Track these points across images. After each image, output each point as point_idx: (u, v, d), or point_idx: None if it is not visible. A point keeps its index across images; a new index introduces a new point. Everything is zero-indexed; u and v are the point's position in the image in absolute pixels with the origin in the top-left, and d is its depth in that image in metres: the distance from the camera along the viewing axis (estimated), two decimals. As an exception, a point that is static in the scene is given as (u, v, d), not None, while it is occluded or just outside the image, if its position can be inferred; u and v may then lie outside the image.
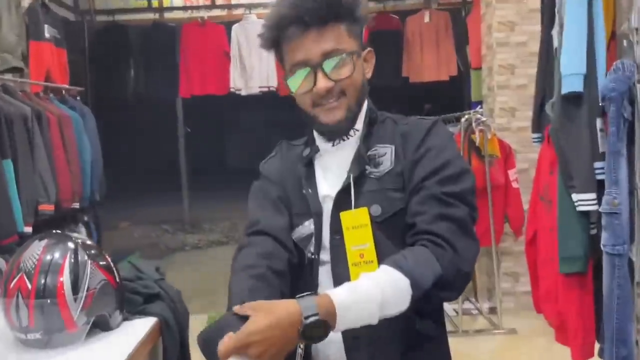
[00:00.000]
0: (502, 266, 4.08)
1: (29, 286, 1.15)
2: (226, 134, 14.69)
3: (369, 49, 1.09)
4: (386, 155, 1.04)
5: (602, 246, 1.53)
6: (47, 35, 3.80)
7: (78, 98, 3.97)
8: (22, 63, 3.50)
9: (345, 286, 0.87)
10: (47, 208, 3.05)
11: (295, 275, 1.03)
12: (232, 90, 5.14)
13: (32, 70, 3.69)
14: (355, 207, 1.01)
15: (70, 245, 1.23)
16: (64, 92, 3.80)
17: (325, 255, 1.05)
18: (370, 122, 1.08)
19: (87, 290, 1.19)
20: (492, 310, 4.02)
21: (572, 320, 1.73)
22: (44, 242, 1.22)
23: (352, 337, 0.99)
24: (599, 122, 1.62)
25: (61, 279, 1.17)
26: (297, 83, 1.02)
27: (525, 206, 3.70)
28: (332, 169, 1.09)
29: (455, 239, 0.93)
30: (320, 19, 0.99)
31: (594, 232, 1.72)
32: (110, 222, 7.64)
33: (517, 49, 4.00)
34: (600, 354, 1.72)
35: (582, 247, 1.70)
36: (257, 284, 0.93)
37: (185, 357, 1.45)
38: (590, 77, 1.64)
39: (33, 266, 1.17)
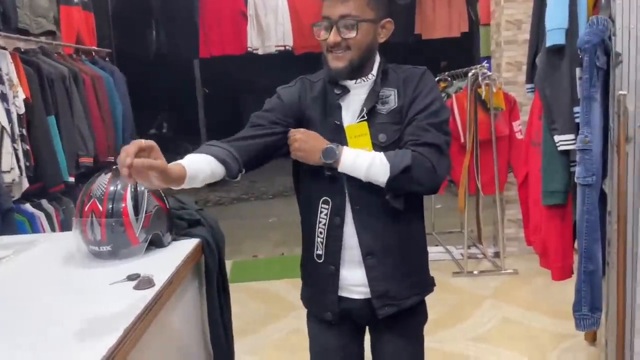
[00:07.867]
0: (507, 213, 4.33)
1: (101, 208, 1.43)
2: (242, 94, 14.90)
3: (388, 19, 1.38)
4: (391, 96, 1.37)
5: (575, 179, 1.76)
6: (75, -1, 4.03)
7: (107, 59, 4.22)
8: (55, 27, 3.74)
9: (354, 150, 1.32)
10: (87, 160, 3.36)
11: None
12: (249, 49, 5.34)
13: (64, 33, 3.92)
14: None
15: (129, 178, 1.51)
16: (93, 53, 4.06)
17: None
18: (383, 71, 1.40)
19: (145, 213, 1.47)
20: (497, 255, 4.28)
21: (552, 246, 1.98)
22: (108, 175, 1.50)
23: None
24: (578, 71, 1.83)
25: (124, 204, 1.45)
26: (319, 31, 1.35)
27: (529, 156, 3.91)
28: (352, 105, 1.40)
29: (432, 157, 1.29)
30: None
31: (574, 169, 1.95)
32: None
33: (524, 4, 4.11)
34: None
35: (562, 183, 1.94)
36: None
37: (223, 273, 1.74)
38: (572, 31, 1.84)
39: (102, 193, 1.45)
